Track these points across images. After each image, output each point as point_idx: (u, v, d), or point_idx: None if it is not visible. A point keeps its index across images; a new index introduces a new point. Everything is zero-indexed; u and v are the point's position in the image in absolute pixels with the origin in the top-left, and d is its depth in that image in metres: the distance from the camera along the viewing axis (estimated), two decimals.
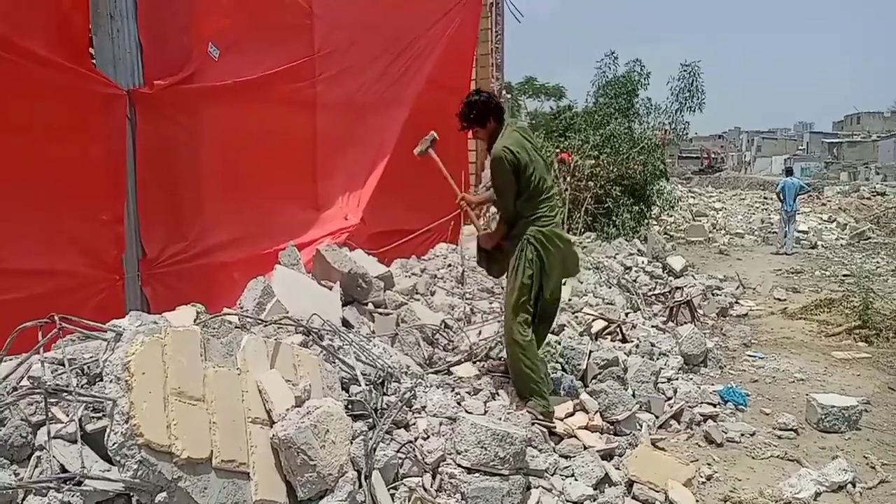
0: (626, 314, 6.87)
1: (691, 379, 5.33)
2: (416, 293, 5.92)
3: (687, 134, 13.00)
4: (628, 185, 11.61)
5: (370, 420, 3.12)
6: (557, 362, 4.76)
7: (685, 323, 6.81)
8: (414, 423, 3.38)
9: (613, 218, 11.49)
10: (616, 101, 12.32)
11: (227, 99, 5.62)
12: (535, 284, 3.93)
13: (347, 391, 3.26)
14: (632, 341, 5.89)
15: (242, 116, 5.77)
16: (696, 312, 7.33)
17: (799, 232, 17.77)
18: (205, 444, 2.34)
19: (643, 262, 9.33)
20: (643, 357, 5.39)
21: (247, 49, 5.84)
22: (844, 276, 12.11)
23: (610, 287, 7.50)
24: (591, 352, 4.78)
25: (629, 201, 11.41)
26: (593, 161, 10.90)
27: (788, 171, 16.23)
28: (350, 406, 3.14)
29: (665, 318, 7.11)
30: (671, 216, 20.75)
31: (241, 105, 5.74)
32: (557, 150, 11.65)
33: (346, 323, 4.43)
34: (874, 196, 26.98)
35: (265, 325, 3.61)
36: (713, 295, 8.62)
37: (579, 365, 4.66)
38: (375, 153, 7.89)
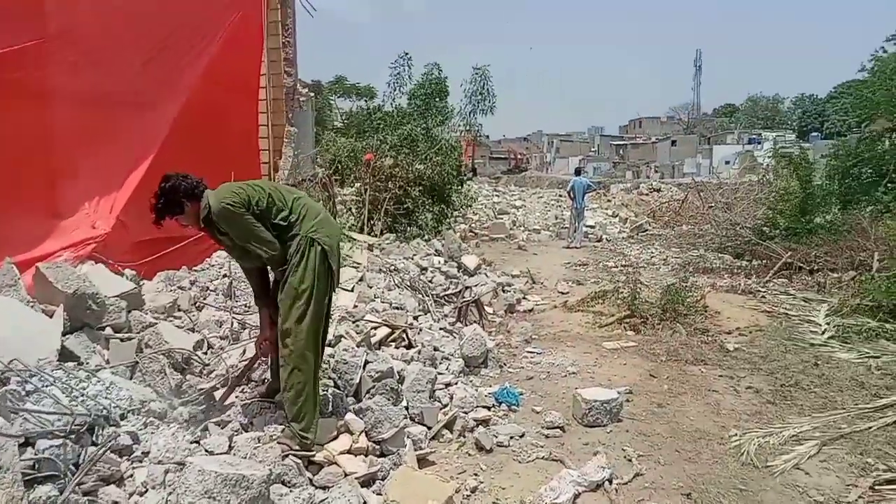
0: (416, 317, 6.75)
1: (471, 381, 5.29)
2: (178, 310, 5.28)
3: (480, 135, 13.37)
4: (427, 186, 11.65)
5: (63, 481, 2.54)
6: (329, 378, 4.43)
7: (474, 322, 6.84)
8: (130, 476, 2.84)
9: (414, 218, 11.48)
10: (414, 101, 12.31)
11: None
12: (324, 291, 3.54)
13: (34, 447, 2.64)
14: (417, 346, 5.75)
15: None
16: (484, 311, 7.43)
17: (587, 227, 19.27)
18: None
19: (440, 262, 9.35)
20: (424, 363, 5.26)
21: None
22: (624, 265, 13.24)
23: (402, 290, 7.34)
24: (366, 363, 4.51)
25: (429, 201, 11.44)
26: (391, 161, 10.77)
27: (577, 172, 17.46)
28: (36, 466, 2.54)
29: (454, 319, 7.10)
30: (476, 214, 21.54)
31: None
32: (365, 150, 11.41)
33: (67, 355, 3.72)
34: (651, 192, 30.21)
35: None
36: (503, 291, 8.86)
37: (352, 379, 4.36)
38: (138, 152, 7.03)
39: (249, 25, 9.55)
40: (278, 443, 3.39)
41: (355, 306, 6.12)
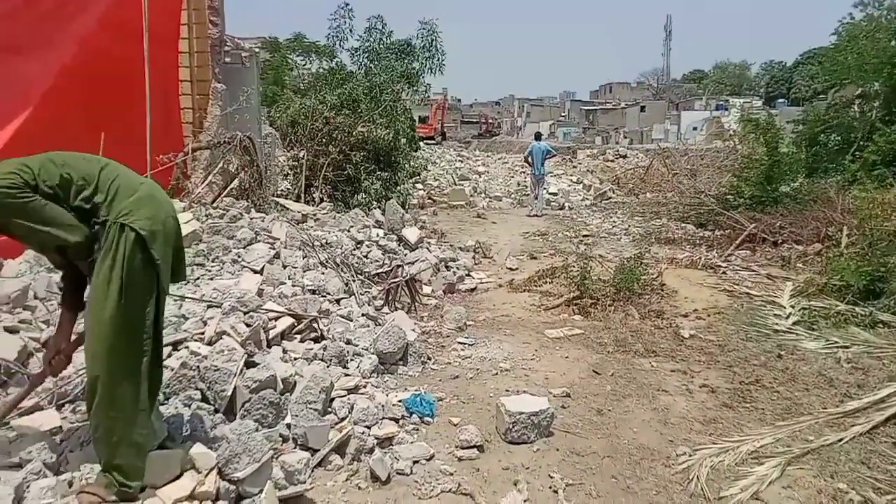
0: (339, 300, 5.94)
1: (384, 383, 4.51)
2: (34, 299, 4.38)
3: (428, 94, 12.40)
4: (372, 151, 10.71)
5: None
6: (197, 389, 3.61)
7: (398, 308, 6.06)
8: None
9: (358, 186, 10.57)
10: (358, 58, 11.28)
11: None
12: (145, 292, 2.67)
13: None
14: (329, 338, 4.95)
15: None
16: (418, 293, 6.64)
17: (550, 194, 18.54)
18: None
19: (378, 236, 8.51)
20: (329, 362, 4.46)
21: None
22: (584, 235, 12.56)
23: (326, 269, 6.50)
24: (242, 370, 3.70)
25: (373, 168, 10.53)
26: (326, 122, 9.79)
27: (537, 136, 16.62)
28: None
29: (382, 302, 6.31)
30: (436, 180, 20.62)
31: None
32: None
33: None
34: (617, 158, 29.57)
35: None
36: (446, 268, 8.08)
37: (223, 391, 3.55)
38: (14, 103, 6.06)
39: None
40: (83, 493, 2.57)
41: (260, 291, 5.27)
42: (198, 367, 3.67)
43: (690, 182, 18.80)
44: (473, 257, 8.93)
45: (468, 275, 8.05)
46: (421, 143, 25.92)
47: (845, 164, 13.93)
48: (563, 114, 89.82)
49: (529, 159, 15.31)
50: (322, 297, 5.74)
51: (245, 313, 4.51)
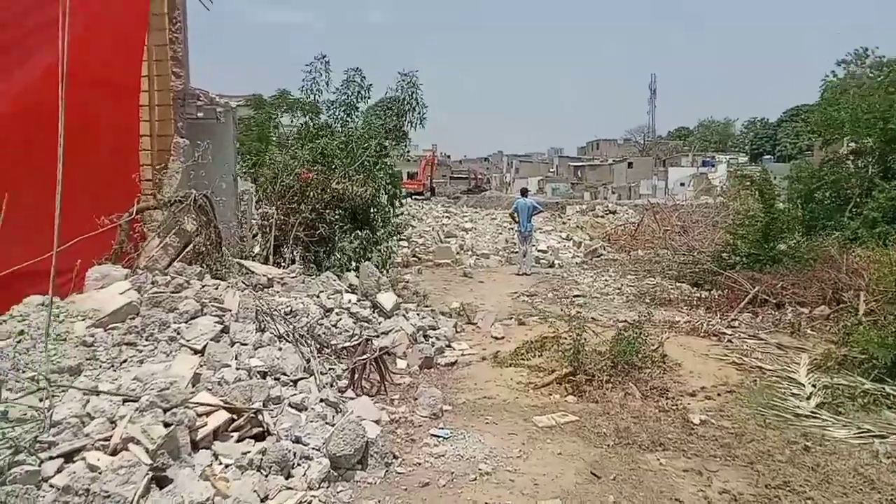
0: (296, 382, 5.14)
1: (336, 496, 3.67)
2: None
3: (408, 150, 11.89)
4: (349, 209, 10.05)
5: None
6: None
7: (361, 393, 5.25)
8: None
9: (333, 247, 9.87)
10: (334, 112, 10.75)
11: None
12: None
13: None
14: (274, 435, 4.13)
15: None
16: (388, 371, 5.83)
17: (539, 251, 17.93)
18: None
19: (350, 302, 7.75)
20: (268, 471, 3.64)
21: None
22: (576, 296, 11.87)
23: (283, 344, 5.71)
24: (141, 496, 2.88)
25: (348, 226, 9.85)
26: (297, 179, 9.16)
27: (523, 192, 16.15)
28: None
29: (347, 382, 5.50)
30: (421, 237, 20.00)
31: None
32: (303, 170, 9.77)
33: None
34: (606, 214, 29.22)
35: None
36: (425, 338, 7.29)
37: None
38: None
39: (126, 14, 7.99)
40: None
41: (196, 376, 4.47)
42: (87, 490, 2.86)
43: (683, 239, 18.32)
44: (455, 325, 8.15)
45: (448, 346, 7.25)
46: (408, 199, 25.46)
47: (844, 221, 13.45)
48: (551, 170, 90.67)
49: (515, 216, 14.76)
50: (275, 379, 4.94)
51: (165, 410, 3.70)
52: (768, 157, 63.74)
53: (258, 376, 4.81)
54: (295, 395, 4.82)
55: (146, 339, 4.94)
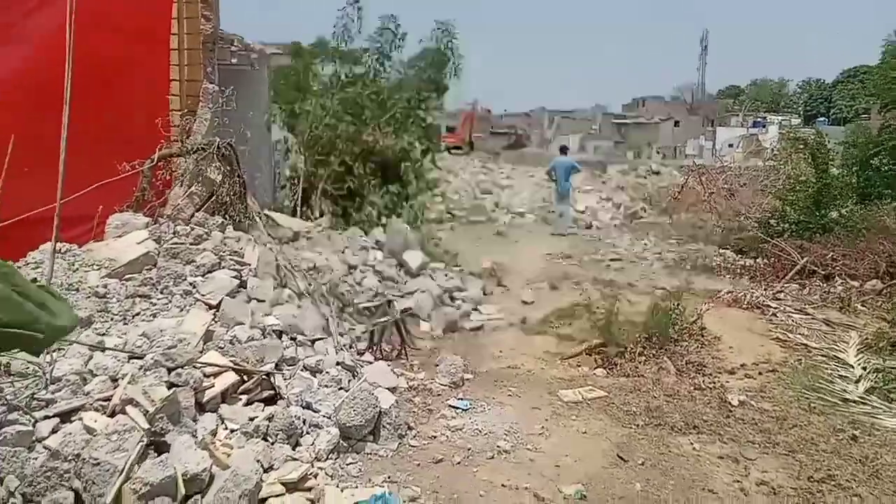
0: (313, 342, 4.97)
1: (345, 469, 3.49)
2: None
3: (442, 104, 11.48)
4: (379, 162, 9.76)
5: None
6: (71, 489, 2.65)
7: (378, 358, 5.05)
8: None
9: (363, 201, 9.64)
10: (367, 60, 10.36)
11: None
12: None
13: None
14: (284, 399, 3.97)
15: None
16: (408, 335, 5.62)
17: (577, 212, 17.44)
18: None
19: (376, 259, 7.54)
20: (274, 438, 3.47)
21: None
22: (612, 259, 11.49)
23: (303, 301, 5.53)
24: (134, 463, 2.73)
25: (378, 181, 9.59)
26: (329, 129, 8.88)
27: (563, 150, 15.60)
28: None
29: (366, 346, 5.31)
30: (457, 194, 19.65)
31: None
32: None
33: None
34: (649, 175, 28.34)
35: None
36: (451, 299, 7.06)
37: (101, 496, 2.58)
38: None
39: None
40: None
41: (209, 333, 4.31)
42: (77, 456, 2.71)
43: (729, 203, 17.58)
44: (483, 288, 7.88)
45: (475, 309, 7.00)
46: (446, 154, 24.95)
47: None
48: (594, 127, 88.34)
49: (552, 174, 14.27)
50: (291, 339, 4.77)
51: (170, 370, 3.54)
52: (822, 119, 61.00)
53: (274, 335, 4.64)
54: (310, 356, 4.64)
55: (161, 292, 4.79)
